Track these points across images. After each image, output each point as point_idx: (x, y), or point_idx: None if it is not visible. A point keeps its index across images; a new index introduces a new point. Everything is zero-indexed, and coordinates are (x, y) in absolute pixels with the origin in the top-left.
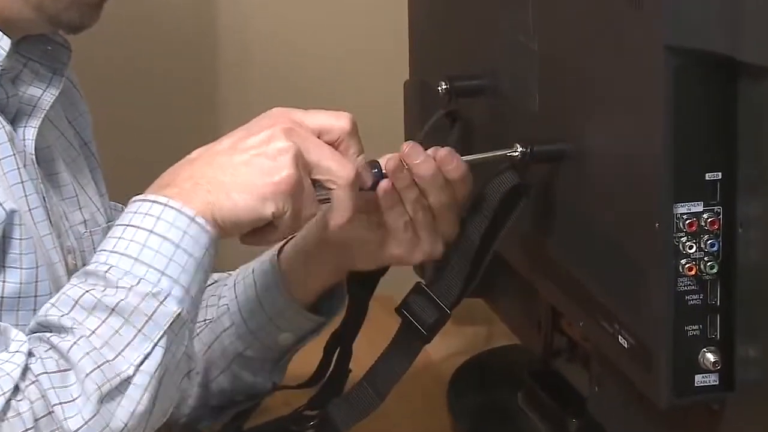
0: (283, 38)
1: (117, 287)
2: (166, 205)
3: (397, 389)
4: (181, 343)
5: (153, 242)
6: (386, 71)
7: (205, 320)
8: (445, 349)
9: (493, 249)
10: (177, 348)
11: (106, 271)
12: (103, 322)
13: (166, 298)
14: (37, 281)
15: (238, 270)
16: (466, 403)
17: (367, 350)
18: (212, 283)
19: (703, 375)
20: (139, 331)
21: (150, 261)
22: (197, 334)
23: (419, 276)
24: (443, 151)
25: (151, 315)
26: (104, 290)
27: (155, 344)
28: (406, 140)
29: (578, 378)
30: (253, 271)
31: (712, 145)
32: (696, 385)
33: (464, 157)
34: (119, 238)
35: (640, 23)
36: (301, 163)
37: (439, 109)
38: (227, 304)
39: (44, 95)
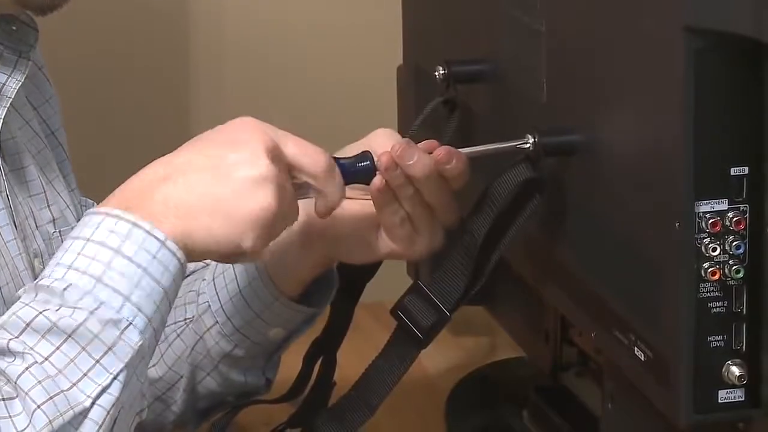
0: (263, 18)
1: (75, 308)
2: (134, 224)
3: (390, 406)
4: (139, 379)
5: (118, 264)
6: (377, 55)
7: (185, 319)
8: (443, 362)
9: (500, 248)
10: (134, 385)
11: (64, 289)
12: (57, 348)
13: (127, 327)
14: None
15: (215, 262)
16: (465, 422)
17: (354, 362)
18: (188, 275)
19: (728, 390)
20: (97, 362)
21: (114, 284)
22: (178, 335)
23: (412, 278)
24: (441, 151)
25: (112, 346)
26: (59, 310)
27: (114, 377)
28: (399, 130)
29: (590, 394)
30: (232, 265)
31: (738, 137)
32: (719, 401)
33: (467, 149)
34: (79, 253)
35: (657, 2)
36: (283, 181)
37: (435, 96)
38: (208, 302)
39: (9, 81)
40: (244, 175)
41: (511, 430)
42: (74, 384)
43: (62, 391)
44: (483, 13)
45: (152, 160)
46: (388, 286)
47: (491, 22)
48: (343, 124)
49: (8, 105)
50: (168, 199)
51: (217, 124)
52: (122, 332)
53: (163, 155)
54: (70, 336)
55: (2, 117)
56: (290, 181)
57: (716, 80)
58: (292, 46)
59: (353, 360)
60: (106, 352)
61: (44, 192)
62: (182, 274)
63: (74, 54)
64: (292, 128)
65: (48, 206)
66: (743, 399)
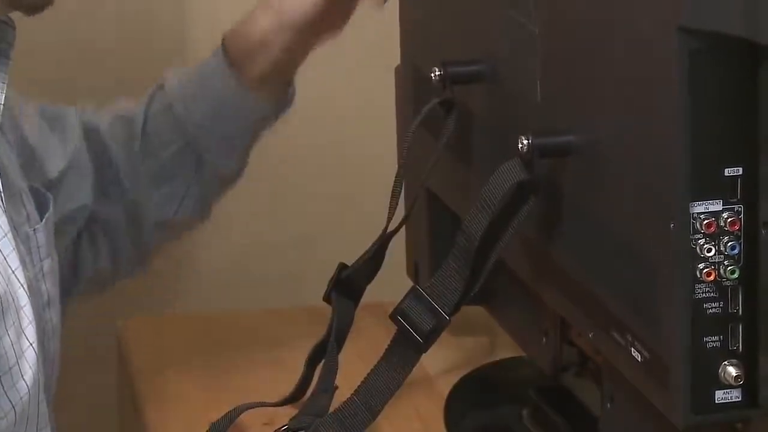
0: None
1: None
2: None
3: (390, 407)
4: None
5: None
6: (375, 56)
7: None
8: (443, 362)
9: (497, 250)
10: None
11: None
12: None
13: None
14: None
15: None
16: (465, 422)
17: (356, 364)
18: None
19: (725, 390)
20: None
21: None
22: None
23: (413, 281)
24: None
25: None
26: None
27: None
28: (397, 131)
29: (589, 394)
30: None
31: (732, 137)
32: (716, 401)
33: None
34: None
35: (652, 3)
36: None
37: (432, 97)
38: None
39: None
40: None
41: (511, 430)
42: None
43: None
44: (479, 14)
45: None
46: (388, 288)
47: (487, 23)
48: (342, 124)
49: (1, 109)
50: None
51: None
52: None
53: None
54: None
55: None
56: None
57: (711, 81)
58: None
59: (355, 363)
60: None
61: (20, 193)
62: None
63: (74, 55)
64: (291, 129)
65: (23, 205)
66: (740, 399)
